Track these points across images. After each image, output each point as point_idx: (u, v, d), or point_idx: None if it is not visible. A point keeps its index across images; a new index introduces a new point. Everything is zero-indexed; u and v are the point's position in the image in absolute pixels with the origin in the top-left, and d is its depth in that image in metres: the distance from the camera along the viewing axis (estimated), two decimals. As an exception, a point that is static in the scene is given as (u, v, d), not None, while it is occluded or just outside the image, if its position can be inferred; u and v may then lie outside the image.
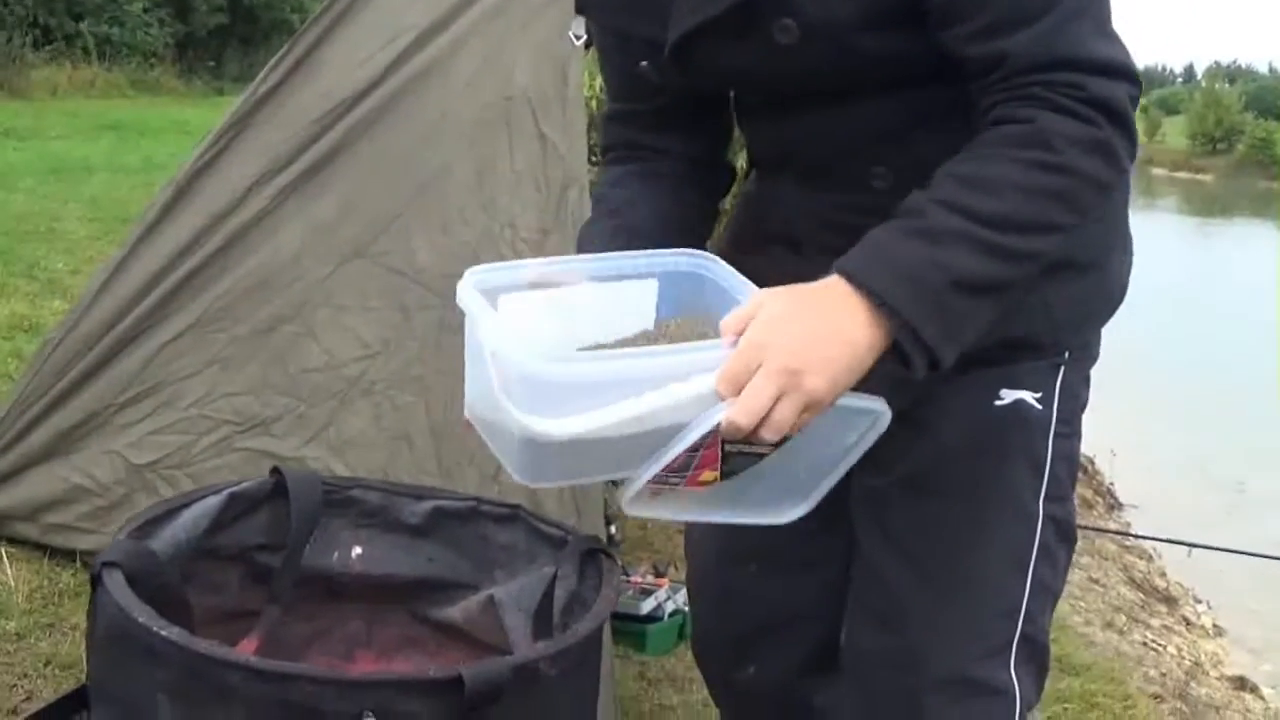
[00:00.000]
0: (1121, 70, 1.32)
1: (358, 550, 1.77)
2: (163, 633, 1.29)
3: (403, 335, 2.29)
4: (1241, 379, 12.11)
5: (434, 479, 2.04)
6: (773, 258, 1.57)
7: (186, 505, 1.64)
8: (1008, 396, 1.51)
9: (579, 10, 1.53)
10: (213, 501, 1.70)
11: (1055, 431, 1.52)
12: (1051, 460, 1.53)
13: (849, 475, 1.38)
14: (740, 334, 1.21)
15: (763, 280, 1.33)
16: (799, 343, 1.20)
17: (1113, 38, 1.34)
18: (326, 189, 2.44)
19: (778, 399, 1.18)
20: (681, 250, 1.43)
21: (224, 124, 2.74)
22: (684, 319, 1.41)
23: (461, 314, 1.34)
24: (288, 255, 2.37)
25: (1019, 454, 1.52)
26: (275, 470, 1.75)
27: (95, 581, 1.40)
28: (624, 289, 1.42)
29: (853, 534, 1.63)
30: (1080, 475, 7.98)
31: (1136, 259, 1.64)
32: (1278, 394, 11.45)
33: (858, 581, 1.63)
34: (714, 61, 1.45)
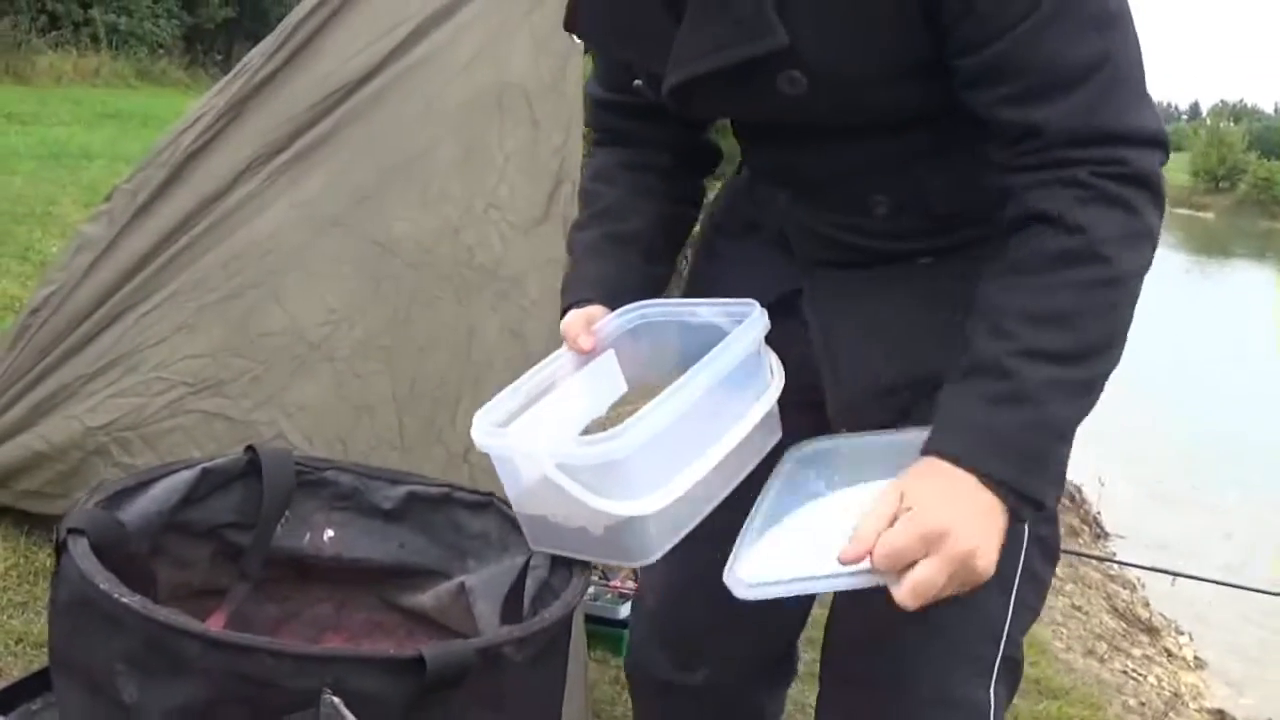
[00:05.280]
0: (1159, 140, 1.26)
1: (330, 533, 1.74)
2: (123, 600, 1.26)
3: (370, 304, 2.26)
4: (1232, 416, 12.15)
5: (396, 451, 2.02)
6: (760, 245, 1.57)
7: (158, 478, 1.61)
8: None
9: (568, 28, 1.49)
10: (185, 476, 1.68)
11: None
12: None
13: None
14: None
15: (743, 266, 1.42)
16: (969, 530, 1.19)
17: (1148, 103, 1.27)
18: (314, 169, 2.43)
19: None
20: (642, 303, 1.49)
21: (220, 108, 2.72)
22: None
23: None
24: (267, 229, 2.36)
25: None
26: (250, 448, 1.73)
27: (60, 549, 1.37)
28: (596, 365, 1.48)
29: None
30: (1068, 503, 7.96)
31: None
32: (1265, 429, 11.50)
33: (837, 600, 1.58)
34: (714, 104, 1.44)
